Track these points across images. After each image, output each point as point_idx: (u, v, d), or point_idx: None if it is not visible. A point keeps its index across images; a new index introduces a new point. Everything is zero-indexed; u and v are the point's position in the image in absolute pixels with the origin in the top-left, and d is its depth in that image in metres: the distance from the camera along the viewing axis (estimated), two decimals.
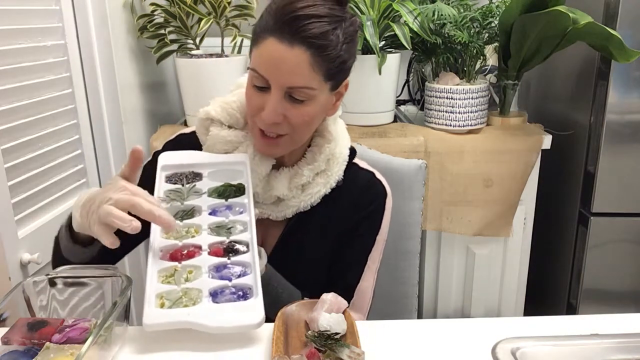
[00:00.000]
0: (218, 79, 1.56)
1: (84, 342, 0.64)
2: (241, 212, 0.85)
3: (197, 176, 0.90)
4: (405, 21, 1.55)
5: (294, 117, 0.85)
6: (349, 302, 0.97)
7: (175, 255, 0.79)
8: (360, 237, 0.99)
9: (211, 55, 1.60)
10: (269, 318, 0.77)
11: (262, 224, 0.96)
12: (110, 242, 0.73)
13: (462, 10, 1.59)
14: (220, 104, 0.95)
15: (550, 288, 1.97)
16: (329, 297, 0.79)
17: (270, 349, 0.71)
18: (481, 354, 0.72)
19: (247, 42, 1.65)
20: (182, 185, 0.88)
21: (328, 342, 0.72)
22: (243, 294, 0.75)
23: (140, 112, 1.65)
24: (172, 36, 1.60)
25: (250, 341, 0.75)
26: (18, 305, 0.73)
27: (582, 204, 1.74)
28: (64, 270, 0.77)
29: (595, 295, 1.75)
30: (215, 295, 0.75)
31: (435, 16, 1.55)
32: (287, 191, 0.93)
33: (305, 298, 0.92)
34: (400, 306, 1.31)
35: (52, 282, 0.76)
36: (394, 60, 1.65)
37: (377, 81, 1.62)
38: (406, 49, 1.58)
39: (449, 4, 1.59)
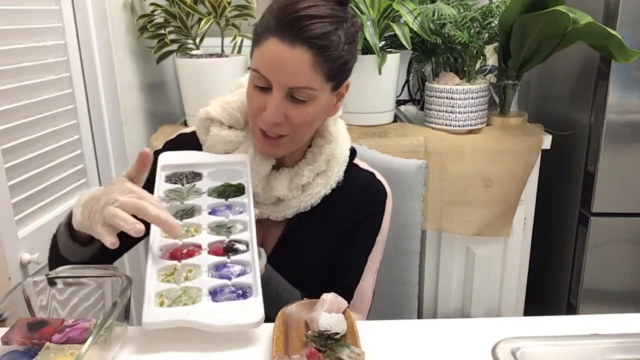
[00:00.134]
0: (218, 79, 1.56)
1: (84, 342, 0.64)
2: (241, 212, 0.85)
3: (197, 176, 0.90)
4: (405, 21, 1.55)
5: (295, 117, 0.85)
6: (348, 303, 0.97)
7: (175, 254, 0.79)
8: (360, 238, 0.99)
9: (211, 55, 1.60)
10: (269, 318, 0.77)
11: (262, 224, 0.96)
12: (112, 242, 0.73)
13: (462, 10, 1.59)
14: (221, 104, 0.95)
15: (550, 288, 1.97)
16: (329, 297, 0.79)
17: (270, 349, 0.71)
18: (481, 354, 0.72)
19: (247, 42, 1.66)
20: (182, 185, 0.88)
21: (328, 342, 0.72)
22: (242, 293, 0.75)
23: (140, 112, 1.65)
24: (172, 36, 1.60)
25: (250, 341, 0.75)
26: (18, 305, 0.73)
27: (582, 204, 1.74)
28: (64, 270, 0.77)
29: (595, 295, 1.75)
30: (214, 294, 0.75)
31: (435, 16, 1.55)
32: (287, 191, 0.93)
33: (305, 298, 0.92)
34: (400, 306, 1.31)
35: (52, 282, 0.76)
36: (394, 60, 1.65)
37: (377, 81, 1.62)
38: (406, 49, 1.58)
39: (449, 4, 1.59)
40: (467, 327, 0.81)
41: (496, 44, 1.65)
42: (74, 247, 0.84)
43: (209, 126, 0.95)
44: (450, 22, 1.57)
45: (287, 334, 0.76)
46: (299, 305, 0.81)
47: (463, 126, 1.63)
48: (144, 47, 1.65)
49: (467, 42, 1.56)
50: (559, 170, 1.86)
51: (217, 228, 0.83)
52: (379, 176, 1.02)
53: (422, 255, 1.75)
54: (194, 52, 1.61)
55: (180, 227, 0.79)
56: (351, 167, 0.99)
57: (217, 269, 0.78)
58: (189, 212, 0.85)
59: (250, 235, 0.81)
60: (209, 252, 0.79)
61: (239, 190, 0.88)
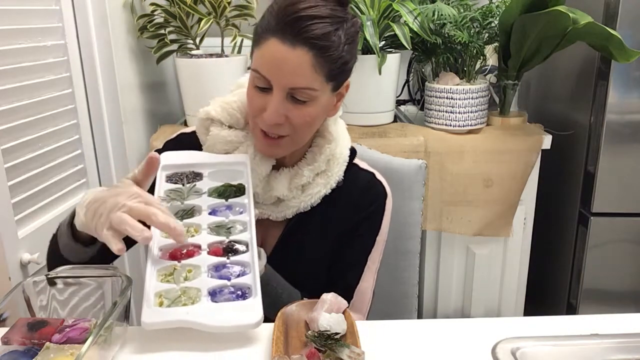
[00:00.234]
0: (218, 79, 1.56)
1: (84, 342, 0.64)
2: (241, 212, 0.85)
3: (198, 176, 0.90)
4: (405, 21, 1.55)
5: (295, 118, 0.85)
6: (348, 303, 0.97)
7: (175, 254, 0.79)
8: (360, 238, 0.99)
9: (211, 55, 1.60)
10: (269, 318, 0.77)
11: (262, 224, 0.96)
12: (119, 249, 0.73)
13: (462, 10, 1.59)
14: (221, 104, 0.95)
15: (550, 288, 1.97)
16: (329, 297, 0.79)
17: (270, 349, 0.71)
18: (481, 354, 0.72)
19: (247, 42, 1.66)
20: (183, 185, 0.88)
21: (328, 342, 0.72)
22: (242, 293, 0.75)
23: (140, 112, 1.65)
24: (172, 36, 1.60)
25: (250, 341, 0.75)
26: (18, 305, 0.73)
27: (582, 204, 1.74)
28: (64, 270, 0.76)
29: (595, 295, 1.75)
30: (214, 294, 0.75)
31: (435, 16, 1.55)
32: (287, 191, 0.93)
33: (305, 298, 0.92)
34: (400, 306, 1.31)
35: (52, 282, 0.76)
36: (394, 60, 1.65)
37: (377, 81, 1.62)
38: (406, 49, 1.58)
39: (449, 4, 1.59)
40: (467, 327, 0.81)
41: (496, 44, 1.65)
42: (76, 248, 0.83)
43: (209, 126, 0.95)
44: (450, 22, 1.57)
45: (287, 334, 0.76)
46: (299, 305, 0.81)
47: (463, 126, 1.63)
48: (144, 47, 1.65)
49: (467, 42, 1.56)
50: (559, 170, 1.86)
51: (217, 228, 0.83)
52: (379, 176, 1.02)
53: (422, 255, 1.75)
54: (194, 52, 1.61)
55: (184, 234, 0.78)
56: (351, 167, 0.99)
57: (217, 270, 0.78)
58: (189, 212, 0.85)
59: (250, 235, 0.81)
60: (208, 253, 0.79)
61: (239, 190, 0.88)
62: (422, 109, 1.88)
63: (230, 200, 0.87)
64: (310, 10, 0.79)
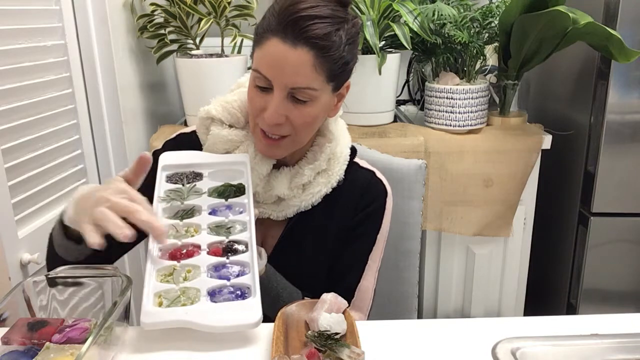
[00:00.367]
0: (218, 79, 1.56)
1: (84, 342, 0.64)
2: (241, 212, 0.85)
3: (198, 176, 0.90)
4: (405, 21, 1.55)
5: (296, 118, 0.85)
6: (349, 302, 0.97)
7: (175, 254, 0.79)
8: (361, 237, 0.99)
9: (211, 55, 1.60)
10: (269, 318, 0.77)
11: (263, 223, 0.96)
12: (96, 243, 0.71)
13: (462, 10, 1.59)
14: (221, 103, 0.95)
15: (550, 288, 1.97)
16: (329, 297, 0.79)
17: (270, 349, 0.71)
18: (481, 354, 0.72)
19: (247, 42, 1.66)
20: (183, 185, 0.88)
21: (328, 342, 0.72)
22: (241, 293, 0.75)
23: (140, 112, 1.65)
24: (172, 36, 1.60)
25: (250, 341, 0.75)
26: (18, 305, 0.73)
27: (582, 204, 1.74)
28: (64, 270, 0.76)
29: (595, 295, 1.75)
30: (213, 294, 0.75)
31: (435, 16, 1.55)
32: (288, 191, 0.93)
33: (305, 298, 0.92)
34: (400, 306, 1.32)
35: (52, 282, 0.76)
36: (394, 60, 1.65)
37: (377, 81, 1.62)
38: (406, 49, 1.58)
39: (449, 4, 1.59)
40: (467, 327, 0.81)
41: (496, 44, 1.65)
42: (68, 245, 0.83)
43: (209, 125, 0.95)
44: (450, 22, 1.57)
45: (287, 334, 0.76)
46: (299, 305, 0.81)
47: (463, 126, 1.63)
48: (144, 47, 1.65)
49: (467, 42, 1.56)
50: (559, 170, 1.86)
51: (216, 228, 0.83)
52: (379, 174, 1.02)
53: (422, 255, 1.75)
54: (194, 52, 1.61)
55: (166, 234, 0.78)
56: (351, 166, 0.99)
57: (216, 270, 0.78)
58: (189, 212, 0.85)
59: (249, 235, 0.81)
60: (208, 253, 0.79)
61: (239, 190, 0.88)
62: (422, 109, 1.88)
63: (230, 200, 0.87)
64: (312, 10, 0.80)
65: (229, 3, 1.54)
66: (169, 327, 0.71)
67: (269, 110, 0.84)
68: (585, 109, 1.70)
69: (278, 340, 0.72)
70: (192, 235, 0.82)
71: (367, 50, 1.60)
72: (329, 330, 0.74)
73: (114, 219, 0.71)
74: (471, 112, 1.61)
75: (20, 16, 1.20)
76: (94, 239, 0.71)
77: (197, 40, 1.61)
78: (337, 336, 0.74)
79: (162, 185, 0.87)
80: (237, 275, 0.77)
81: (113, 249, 0.78)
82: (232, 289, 0.75)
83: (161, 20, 1.57)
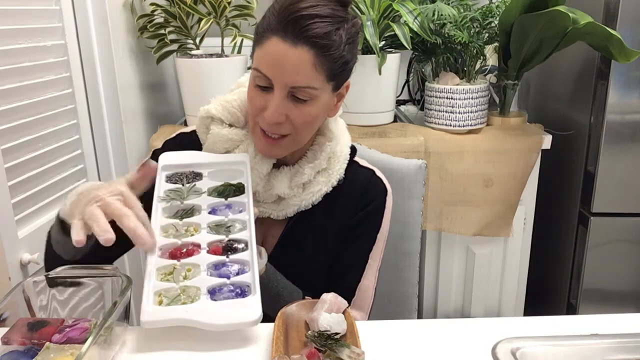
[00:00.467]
0: (218, 79, 1.56)
1: (84, 342, 0.64)
2: (241, 211, 0.85)
3: (198, 176, 0.90)
4: (405, 21, 1.55)
5: (296, 117, 0.85)
6: (350, 301, 0.97)
7: (175, 253, 0.79)
8: (361, 235, 0.99)
9: (211, 55, 1.60)
10: (270, 317, 0.77)
11: (263, 223, 0.96)
12: (78, 240, 0.71)
13: (462, 10, 1.59)
14: (221, 102, 0.95)
15: (550, 288, 1.97)
16: (329, 297, 0.79)
17: (270, 349, 0.71)
18: (481, 354, 0.72)
19: (247, 42, 1.66)
20: (183, 184, 0.88)
21: (328, 342, 0.72)
22: (241, 291, 0.75)
23: (140, 112, 1.65)
24: (172, 36, 1.60)
25: (250, 341, 0.75)
26: (18, 305, 0.73)
27: (582, 204, 1.74)
28: (64, 270, 0.77)
29: (595, 295, 1.75)
30: (213, 292, 0.75)
31: (435, 16, 1.55)
32: (288, 190, 0.93)
33: (306, 297, 0.92)
34: (400, 306, 1.31)
35: (52, 282, 0.76)
36: (394, 60, 1.65)
37: (377, 81, 1.62)
38: (406, 49, 1.58)
39: (449, 4, 1.59)
40: (467, 327, 0.81)
41: (496, 44, 1.65)
42: (65, 241, 0.81)
43: (209, 124, 0.95)
44: (450, 22, 1.57)
45: (287, 334, 0.76)
46: (299, 305, 0.81)
47: (463, 126, 1.63)
48: (144, 47, 1.65)
49: (467, 42, 1.56)
50: (559, 170, 1.86)
51: (216, 227, 0.83)
52: (378, 173, 1.02)
53: (422, 255, 1.75)
54: (194, 52, 1.61)
55: (156, 245, 0.78)
56: (351, 165, 0.99)
57: (216, 268, 0.78)
58: (189, 212, 0.85)
59: (249, 234, 0.81)
60: (208, 252, 0.80)
61: (239, 189, 0.88)
62: (422, 109, 1.88)
63: (229, 199, 0.87)
64: (312, 10, 0.80)
65: (229, 3, 1.54)
66: (169, 326, 0.71)
67: (269, 110, 0.84)
68: (585, 109, 1.70)
69: (278, 340, 0.72)
70: (192, 235, 0.82)
71: (367, 50, 1.60)
72: (329, 330, 0.74)
73: (100, 220, 0.71)
74: (471, 112, 1.61)
75: (20, 16, 1.20)
76: (77, 236, 0.71)
77: (197, 40, 1.61)
78: (337, 336, 0.74)
79: (161, 185, 0.87)
80: (237, 274, 0.77)
81: (112, 249, 0.78)
82: (232, 287, 0.76)
83: (161, 20, 1.57)
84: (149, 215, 0.80)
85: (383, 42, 1.71)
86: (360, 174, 1.00)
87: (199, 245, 0.80)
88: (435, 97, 1.64)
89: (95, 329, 0.64)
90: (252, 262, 0.78)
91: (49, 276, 0.76)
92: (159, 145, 1.02)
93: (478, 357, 0.72)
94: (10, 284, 1.13)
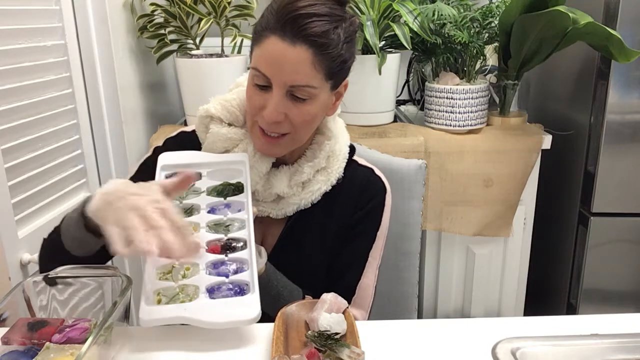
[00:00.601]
0: (218, 79, 1.56)
1: (84, 342, 0.64)
2: (240, 211, 0.85)
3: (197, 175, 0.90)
4: (405, 21, 1.55)
5: (295, 116, 0.85)
6: (350, 299, 0.97)
7: None
8: (360, 234, 0.99)
9: (211, 55, 1.60)
10: (270, 316, 0.77)
11: (263, 222, 0.96)
12: (120, 252, 0.68)
13: (462, 10, 1.59)
14: (220, 101, 0.95)
15: (550, 288, 1.97)
16: (329, 297, 0.79)
17: (270, 349, 0.71)
18: (481, 354, 0.72)
19: (247, 42, 1.65)
20: None
21: (328, 342, 0.72)
22: (240, 290, 0.75)
23: (140, 112, 1.65)
24: (172, 36, 1.60)
25: (250, 341, 0.75)
26: (18, 305, 0.73)
27: (582, 204, 1.74)
28: (64, 270, 0.76)
29: (595, 295, 1.75)
30: (212, 291, 0.75)
31: (435, 16, 1.55)
32: (288, 189, 0.93)
33: (306, 296, 0.92)
34: (400, 306, 1.31)
35: (52, 282, 0.76)
36: (394, 60, 1.65)
37: (377, 81, 1.62)
38: (406, 49, 1.58)
39: (449, 4, 1.59)
40: (467, 327, 0.81)
41: (496, 44, 1.65)
42: (86, 238, 0.80)
43: (208, 124, 0.95)
44: (450, 22, 1.57)
45: (287, 334, 0.76)
46: (299, 305, 0.81)
47: (463, 126, 1.63)
48: (144, 47, 1.65)
49: (467, 42, 1.56)
50: (559, 170, 1.86)
51: (215, 226, 0.83)
52: (377, 172, 1.02)
53: (422, 255, 1.75)
54: (194, 52, 1.61)
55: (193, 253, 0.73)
56: (350, 164, 0.99)
57: (215, 267, 0.78)
58: (188, 211, 0.85)
59: (248, 233, 0.82)
60: (207, 250, 0.80)
61: (238, 189, 0.88)
62: (422, 109, 1.88)
63: (229, 198, 0.87)
64: (310, 9, 0.80)
65: (229, 3, 1.54)
66: (167, 324, 0.72)
67: (268, 109, 0.84)
68: (585, 109, 1.70)
69: (278, 340, 0.72)
70: (191, 234, 0.82)
71: (367, 50, 1.60)
72: (329, 330, 0.74)
73: (141, 232, 0.68)
74: (471, 112, 1.61)
75: (20, 16, 1.20)
76: (120, 248, 0.68)
77: (197, 40, 1.61)
78: (337, 336, 0.74)
79: None
80: (236, 272, 0.77)
81: None
82: (230, 286, 0.76)
83: (161, 20, 1.57)
84: None
85: (383, 42, 1.71)
86: (360, 172, 1.00)
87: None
88: (435, 97, 1.64)
89: (95, 329, 0.64)
90: (250, 260, 0.78)
91: (49, 276, 0.76)
92: (159, 144, 1.02)
93: (478, 357, 0.72)
94: (10, 284, 1.13)
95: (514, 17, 1.50)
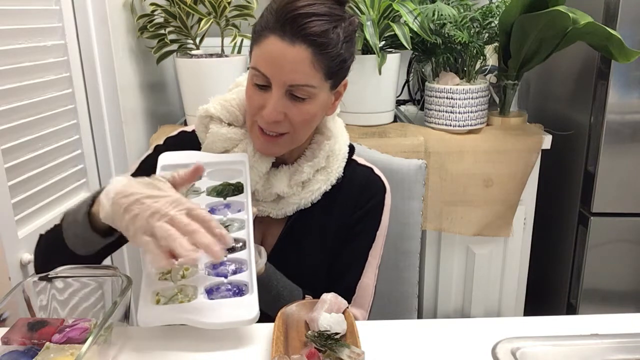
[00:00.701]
0: (218, 79, 1.56)
1: (84, 342, 0.64)
2: (239, 211, 0.85)
3: None
4: (405, 21, 1.55)
5: (294, 115, 0.85)
6: (350, 299, 0.97)
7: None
8: (360, 234, 0.99)
9: (211, 55, 1.60)
10: (271, 317, 0.77)
11: (262, 222, 0.96)
12: (162, 266, 0.66)
13: (462, 10, 1.59)
14: (220, 101, 0.95)
15: (550, 288, 1.97)
16: (329, 297, 0.79)
17: (270, 349, 0.71)
18: (481, 354, 0.72)
19: (247, 42, 1.65)
20: None
21: (328, 342, 0.72)
22: (239, 290, 0.75)
23: (140, 112, 1.65)
24: (172, 36, 1.60)
25: (250, 341, 0.75)
26: (18, 305, 0.73)
27: (582, 204, 1.74)
28: (64, 270, 0.76)
29: (595, 295, 1.75)
30: (210, 291, 0.75)
31: (435, 16, 1.55)
32: (287, 188, 0.93)
33: (306, 296, 0.92)
34: (400, 306, 1.31)
35: (52, 282, 0.76)
36: (394, 60, 1.65)
37: (377, 81, 1.62)
38: (406, 49, 1.58)
39: (449, 4, 1.59)
40: (467, 327, 0.81)
41: (496, 44, 1.65)
42: (92, 238, 0.79)
43: (208, 124, 0.95)
44: (450, 22, 1.57)
45: (287, 334, 0.76)
46: (299, 305, 0.81)
47: (463, 126, 1.63)
48: (144, 47, 1.65)
49: (467, 42, 1.56)
50: (559, 170, 1.86)
51: None
52: (377, 171, 1.02)
53: (422, 255, 1.75)
54: (194, 52, 1.61)
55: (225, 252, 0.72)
56: (350, 163, 0.99)
57: (214, 267, 0.78)
58: None
59: (247, 233, 0.82)
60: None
61: (238, 189, 0.88)
62: (422, 109, 1.88)
63: (228, 198, 0.87)
64: (309, 8, 0.80)
65: (229, 3, 1.54)
66: (166, 324, 0.72)
67: (267, 108, 0.84)
68: (585, 109, 1.70)
69: (278, 340, 0.72)
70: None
71: (367, 50, 1.60)
72: (329, 330, 0.74)
73: (180, 239, 0.66)
74: (471, 112, 1.61)
75: (20, 16, 1.20)
76: (160, 262, 0.66)
77: (197, 40, 1.61)
78: (337, 336, 0.74)
79: None
80: (235, 273, 0.77)
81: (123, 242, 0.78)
82: (229, 287, 0.76)
83: (161, 20, 1.57)
84: None
85: (383, 42, 1.71)
86: (359, 172, 1.00)
87: None
88: (435, 97, 1.64)
89: (95, 329, 0.64)
90: (249, 261, 0.78)
91: (50, 276, 0.76)
92: (160, 143, 1.02)
93: (478, 357, 0.72)
94: (10, 284, 1.13)
95: (514, 17, 1.50)
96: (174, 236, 0.66)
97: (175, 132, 1.02)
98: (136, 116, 1.62)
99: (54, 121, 1.31)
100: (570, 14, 1.41)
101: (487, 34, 1.62)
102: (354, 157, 1.02)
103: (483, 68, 1.74)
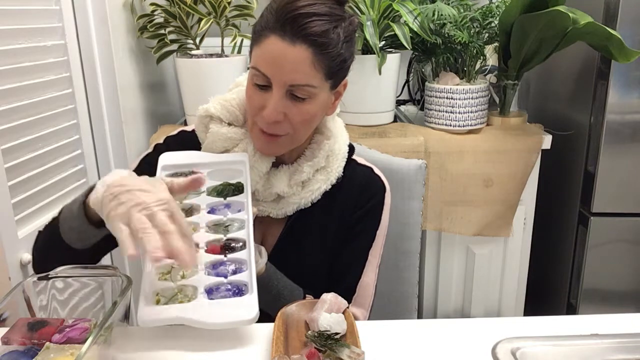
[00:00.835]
0: (218, 79, 1.56)
1: (84, 342, 0.64)
2: (239, 211, 0.85)
3: None
4: (405, 21, 1.55)
5: (295, 115, 0.85)
6: (350, 299, 0.97)
7: None
8: (360, 234, 0.99)
9: (211, 55, 1.60)
10: (271, 316, 0.77)
11: (263, 222, 0.96)
12: (131, 254, 0.65)
13: (462, 10, 1.59)
14: (220, 101, 0.95)
15: (550, 288, 1.97)
16: (329, 297, 0.79)
17: (270, 349, 0.71)
18: (481, 354, 0.72)
19: (247, 42, 1.65)
20: None
21: (328, 342, 0.72)
22: (238, 290, 0.75)
23: (140, 112, 1.65)
24: (172, 36, 1.60)
25: (250, 341, 0.75)
26: (18, 305, 0.73)
27: (582, 204, 1.74)
28: (64, 270, 0.76)
29: (595, 295, 1.75)
30: (210, 292, 0.75)
31: (435, 16, 1.55)
32: (287, 188, 0.93)
33: (307, 295, 0.92)
34: (400, 306, 1.31)
35: (52, 282, 0.76)
36: (394, 60, 1.65)
37: (377, 81, 1.62)
38: (406, 49, 1.58)
39: (449, 4, 1.59)
40: (467, 327, 0.81)
41: (496, 44, 1.65)
42: (87, 230, 0.79)
43: (208, 124, 0.95)
44: (450, 22, 1.57)
45: (287, 334, 0.76)
46: (299, 305, 0.81)
47: (463, 126, 1.63)
48: (144, 47, 1.65)
49: (467, 42, 1.56)
50: (559, 170, 1.86)
51: (214, 227, 0.83)
52: (377, 171, 1.02)
53: (422, 255, 1.75)
54: (194, 52, 1.61)
55: (195, 262, 0.72)
56: (350, 163, 0.99)
57: (214, 267, 0.78)
58: (188, 211, 0.85)
59: (247, 233, 0.82)
60: (206, 251, 0.80)
61: (238, 189, 0.88)
62: (422, 109, 1.88)
63: (228, 198, 0.87)
64: (309, 8, 0.80)
65: (229, 3, 1.54)
66: (166, 325, 0.72)
67: (267, 108, 0.84)
68: (585, 109, 1.70)
69: (278, 340, 0.72)
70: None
71: (367, 50, 1.60)
72: (329, 330, 0.74)
73: (152, 235, 0.65)
74: (471, 112, 1.61)
75: (20, 16, 1.20)
76: (131, 250, 0.64)
77: (197, 40, 1.61)
78: (337, 336, 0.74)
79: None
80: (234, 273, 0.77)
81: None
82: (229, 287, 0.76)
83: (161, 20, 1.57)
84: None
85: (383, 42, 1.71)
86: (359, 171, 1.01)
87: (197, 244, 0.80)
88: (435, 97, 1.64)
89: (95, 329, 0.64)
90: (249, 261, 0.78)
91: (50, 276, 0.76)
92: (160, 142, 1.02)
93: (478, 357, 0.72)
94: (10, 284, 1.13)
95: (514, 17, 1.50)
96: (147, 230, 0.65)
97: (175, 132, 1.02)
98: (136, 116, 1.62)
99: (54, 121, 1.31)
100: (570, 14, 1.41)
101: (487, 34, 1.62)
102: (354, 156, 1.02)
103: (483, 68, 1.74)
